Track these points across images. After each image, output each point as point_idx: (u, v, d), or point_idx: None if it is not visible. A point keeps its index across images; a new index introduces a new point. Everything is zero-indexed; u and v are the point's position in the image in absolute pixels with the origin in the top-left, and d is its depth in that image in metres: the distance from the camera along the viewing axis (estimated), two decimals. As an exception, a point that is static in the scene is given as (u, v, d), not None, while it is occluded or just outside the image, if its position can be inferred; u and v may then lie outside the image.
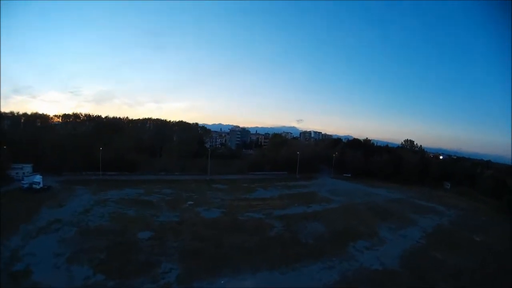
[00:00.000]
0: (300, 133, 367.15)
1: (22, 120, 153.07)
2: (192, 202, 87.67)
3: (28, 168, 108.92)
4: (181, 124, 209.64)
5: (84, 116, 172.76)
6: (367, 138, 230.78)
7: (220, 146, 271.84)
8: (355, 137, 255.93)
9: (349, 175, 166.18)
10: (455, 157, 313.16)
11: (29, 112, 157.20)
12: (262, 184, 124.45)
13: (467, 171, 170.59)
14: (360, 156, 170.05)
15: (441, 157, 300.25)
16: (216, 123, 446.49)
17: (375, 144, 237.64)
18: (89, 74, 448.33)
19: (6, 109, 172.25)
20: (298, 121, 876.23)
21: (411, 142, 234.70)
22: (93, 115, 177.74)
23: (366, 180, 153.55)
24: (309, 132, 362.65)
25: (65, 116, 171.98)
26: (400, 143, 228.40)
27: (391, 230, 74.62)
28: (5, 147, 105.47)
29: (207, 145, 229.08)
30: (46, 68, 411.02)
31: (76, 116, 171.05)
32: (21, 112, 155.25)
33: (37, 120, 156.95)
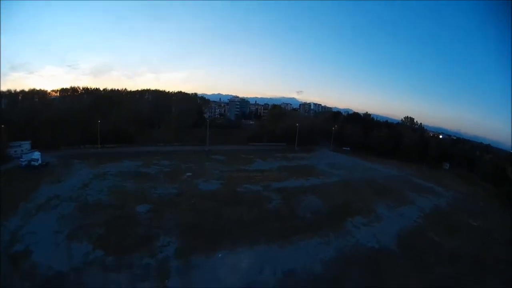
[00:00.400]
0: (300, 104, 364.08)
1: (20, 98, 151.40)
2: (190, 174, 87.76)
3: (26, 145, 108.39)
4: (180, 95, 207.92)
5: (81, 90, 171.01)
6: (367, 112, 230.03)
7: (219, 116, 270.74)
8: (355, 110, 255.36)
9: (348, 148, 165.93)
10: (455, 138, 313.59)
11: (26, 89, 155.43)
12: (261, 155, 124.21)
13: (467, 153, 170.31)
14: (359, 131, 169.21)
15: (441, 137, 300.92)
16: (216, 93, 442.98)
17: (374, 119, 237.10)
18: (86, 47, 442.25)
19: (3, 87, 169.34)
20: (298, 92, 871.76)
21: (411, 119, 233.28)
22: (91, 88, 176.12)
23: (365, 155, 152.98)
24: (309, 104, 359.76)
25: (62, 90, 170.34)
26: (400, 119, 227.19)
27: (389, 208, 74.51)
28: (2, 126, 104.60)
29: (206, 116, 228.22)
30: (42, 43, 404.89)
31: (73, 90, 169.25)
32: (18, 90, 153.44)
33: (35, 96, 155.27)
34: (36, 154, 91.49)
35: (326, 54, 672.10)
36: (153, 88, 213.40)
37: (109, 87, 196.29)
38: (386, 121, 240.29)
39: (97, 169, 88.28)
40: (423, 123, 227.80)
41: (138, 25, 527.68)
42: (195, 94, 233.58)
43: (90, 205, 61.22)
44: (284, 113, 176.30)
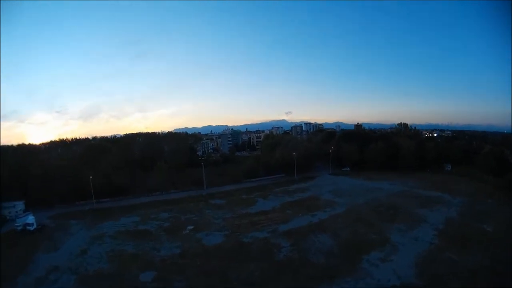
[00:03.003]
0: (292, 127, 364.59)
1: (9, 153, 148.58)
2: (192, 227, 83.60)
3: (20, 205, 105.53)
4: (170, 135, 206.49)
5: (70, 140, 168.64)
6: (358, 123, 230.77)
7: (212, 151, 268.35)
8: (345, 122, 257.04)
9: (348, 169, 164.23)
10: (449, 133, 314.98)
11: (16, 140, 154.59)
12: (261, 192, 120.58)
13: (464, 148, 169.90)
14: (356, 148, 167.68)
15: (435, 135, 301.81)
16: (206, 125, 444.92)
17: (366, 129, 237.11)
18: (73, 91, 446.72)
19: None
20: (287, 113, 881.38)
21: (405, 125, 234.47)
22: (79, 138, 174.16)
23: (365, 172, 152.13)
24: (300, 126, 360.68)
25: (51, 143, 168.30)
26: (394, 125, 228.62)
27: (401, 233, 72.41)
28: None
29: (200, 153, 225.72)
30: (29, 90, 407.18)
31: (62, 141, 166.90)
32: (8, 143, 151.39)
33: (24, 151, 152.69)
34: (31, 218, 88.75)
35: (310, 71, 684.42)
36: (142, 127, 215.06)
37: (99, 130, 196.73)
38: (380, 129, 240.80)
39: (94, 230, 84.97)
40: (413, 122, 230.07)
41: (121, 65, 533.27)
42: (186, 133, 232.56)
43: (91, 277, 57.96)
44: (278, 141, 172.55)
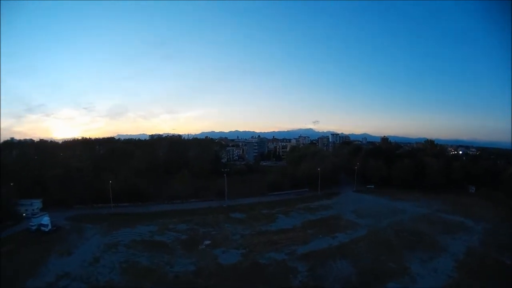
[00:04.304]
0: (318, 138, 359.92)
1: (29, 149, 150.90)
2: (209, 242, 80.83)
3: (37, 203, 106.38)
4: (196, 142, 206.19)
5: (93, 140, 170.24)
6: (384, 136, 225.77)
7: (237, 159, 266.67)
8: (372, 134, 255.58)
9: (373, 186, 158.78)
10: (473, 150, 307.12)
11: (41, 133, 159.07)
12: (283, 208, 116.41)
13: (489, 169, 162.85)
14: (382, 164, 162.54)
15: (460, 152, 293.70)
16: (233, 130, 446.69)
17: (392, 142, 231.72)
18: (100, 89, 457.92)
19: (20, 128, 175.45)
20: (315, 122, 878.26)
21: (432, 142, 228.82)
22: (104, 138, 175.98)
23: (390, 189, 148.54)
24: (327, 137, 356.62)
25: (74, 141, 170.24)
26: (419, 138, 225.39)
27: (421, 263, 69.39)
28: (12, 183, 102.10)
29: (224, 160, 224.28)
30: (57, 86, 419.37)
31: (85, 141, 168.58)
32: (27, 138, 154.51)
33: (45, 146, 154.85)
34: (46, 220, 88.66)
35: (339, 83, 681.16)
36: (168, 128, 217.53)
37: (125, 129, 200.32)
38: (406, 143, 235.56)
39: (109, 237, 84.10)
40: (440, 137, 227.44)
41: (150, 65, 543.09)
42: (211, 139, 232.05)
43: (101, 288, 56.78)
44: (303, 154, 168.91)
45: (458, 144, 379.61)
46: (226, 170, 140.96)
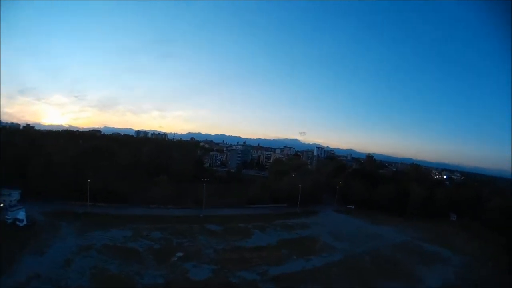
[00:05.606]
0: (303, 151, 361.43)
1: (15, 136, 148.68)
2: (181, 254, 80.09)
3: (15, 194, 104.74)
4: (180, 144, 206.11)
5: (78, 134, 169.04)
6: (369, 154, 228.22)
7: (220, 164, 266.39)
8: (357, 150, 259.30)
9: (353, 207, 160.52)
10: (458, 175, 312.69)
11: (29, 117, 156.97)
12: (260, 223, 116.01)
13: (471, 197, 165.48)
14: (364, 186, 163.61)
15: (445, 176, 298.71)
16: (219, 133, 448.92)
17: (377, 161, 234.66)
18: (94, 79, 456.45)
19: (10, 109, 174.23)
20: (301, 133, 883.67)
21: (416, 167, 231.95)
22: (89, 130, 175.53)
23: (370, 213, 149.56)
24: (312, 151, 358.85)
25: (58, 133, 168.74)
26: (404, 158, 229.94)
27: None
28: None
29: (207, 165, 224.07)
30: (52, 71, 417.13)
31: (69, 133, 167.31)
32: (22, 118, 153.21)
33: (30, 135, 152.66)
34: (21, 214, 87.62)
35: (329, 96, 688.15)
36: (156, 126, 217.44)
37: (113, 122, 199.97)
38: (391, 163, 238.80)
39: (82, 239, 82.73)
40: (425, 159, 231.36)
41: (146, 62, 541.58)
42: (196, 142, 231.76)
43: (69, 293, 56.21)
44: (286, 170, 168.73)
45: (442, 168, 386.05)
46: (205, 179, 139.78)
